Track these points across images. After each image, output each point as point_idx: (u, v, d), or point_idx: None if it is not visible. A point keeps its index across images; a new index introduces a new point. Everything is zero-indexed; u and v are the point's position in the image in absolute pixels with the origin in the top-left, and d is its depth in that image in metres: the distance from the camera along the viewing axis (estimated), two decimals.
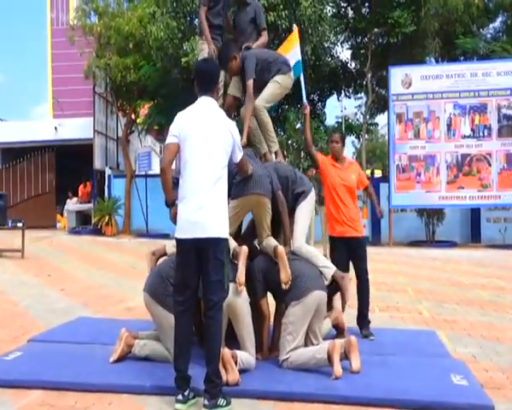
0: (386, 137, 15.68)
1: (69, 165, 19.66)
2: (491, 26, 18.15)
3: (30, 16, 77.34)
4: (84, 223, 18.94)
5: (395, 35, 15.28)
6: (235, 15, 5.50)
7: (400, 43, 15.44)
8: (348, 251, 4.89)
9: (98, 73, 17.94)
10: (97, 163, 18.44)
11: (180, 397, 3.31)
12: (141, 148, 19.40)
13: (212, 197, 3.37)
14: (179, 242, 3.45)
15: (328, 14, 15.55)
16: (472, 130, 14.26)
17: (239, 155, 3.68)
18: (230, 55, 4.75)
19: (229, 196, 4.33)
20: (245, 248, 3.98)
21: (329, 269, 4.24)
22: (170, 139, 3.49)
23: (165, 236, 15.00)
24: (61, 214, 20.21)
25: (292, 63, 5.30)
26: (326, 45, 16.19)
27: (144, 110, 20.24)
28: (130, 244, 14.68)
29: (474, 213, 15.69)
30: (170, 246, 4.55)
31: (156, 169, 22.03)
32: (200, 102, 3.57)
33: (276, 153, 4.95)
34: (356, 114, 20.36)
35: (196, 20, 14.94)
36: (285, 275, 3.96)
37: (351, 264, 4.98)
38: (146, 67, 16.46)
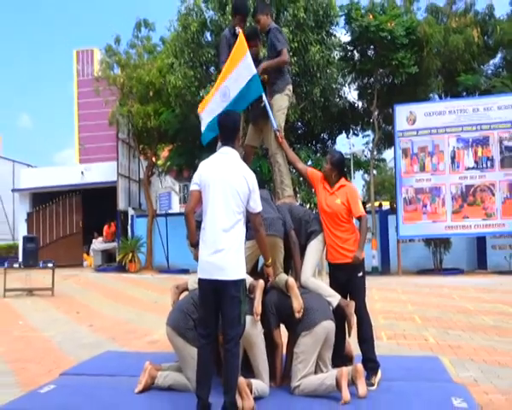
0: (394, 170, 15.79)
1: (94, 206, 19.99)
2: (491, 62, 18.08)
3: (57, 68, 79.83)
4: (109, 261, 19.15)
5: (399, 75, 15.41)
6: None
7: (404, 82, 15.51)
8: (341, 280, 4.46)
9: (121, 121, 18.44)
10: (121, 204, 18.78)
11: None
12: (161, 188, 19.75)
13: (228, 241, 3.48)
14: (200, 281, 3.58)
15: (336, 58, 15.85)
16: (475, 162, 14.35)
17: (255, 207, 3.64)
18: None
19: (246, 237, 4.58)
20: (261, 282, 4.14)
21: (335, 298, 4.36)
22: (193, 187, 3.64)
23: (185, 271, 15.17)
24: (88, 253, 20.48)
25: (246, 79, 4.67)
26: (334, 87, 16.42)
27: (165, 153, 20.63)
28: (153, 280, 14.81)
29: (480, 241, 15.62)
30: (191, 282, 4.69)
31: (176, 208, 22.39)
32: (222, 151, 3.71)
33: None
34: (364, 150, 20.44)
35: (212, 68, 15.41)
36: (297, 304, 4.09)
37: None
38: (166, 114, 16.83)
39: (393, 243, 15.54)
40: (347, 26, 15.93)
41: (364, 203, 21.59)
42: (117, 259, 18.05)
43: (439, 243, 15.01)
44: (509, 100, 14.42)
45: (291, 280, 4.26)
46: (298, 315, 4.09)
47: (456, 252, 15.27)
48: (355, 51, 16.62)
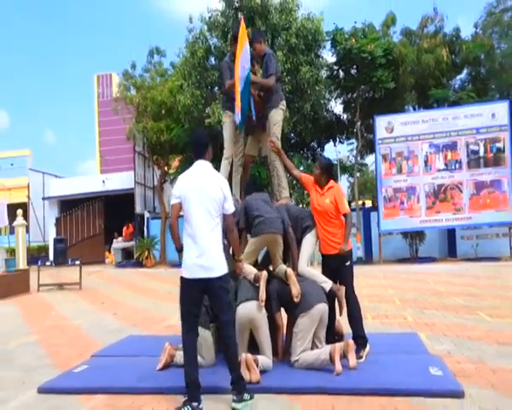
0: (375, 173, 15.81)
1: (115, 211, 20.05)
2: (458, 77, 18.09)
3: (78, 90, 79.93)
4: (127, 258, 19.16)
5: (379, 90, 15.51)
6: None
7: (383, 96, 15.61)
8: (332, 268, 4.53)
9: (137, 135, 18.49)
10: (138, 208, 18.84)
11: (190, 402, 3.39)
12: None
13: (211, 243, 3.49)
14: (187, 281, 3.48)
15: (323, 76, 15.93)
16: (445, 164, 14.41)
17: (228, 208, 3.66)
18: None
19: (249, 233, 4.64)
20: (265, 273, 4.22)
21: (327, 284, 4.43)
22: (174, 201, 3.58)
23: None
24: (109, 251, 20.50)
25: (246, 71, 4.74)
26: (322, 102, 16.50)
27: (175, 163, 20.67)
28: (166, 273, 14.78)
29: (450, 233, 15.70)
30: None
31: None
32: (197, 164, 3.66)
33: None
34: (348, 156, 20.53)
35: (216, 88, 15.43)
36: (295, 290, 4.16)
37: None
38: (176, 129, 16.85)
39: (375, 236, 15.63)
40: (333, 48, 16.00)
41: (350, 202, 21.66)
42: (135, 256, 18.06)
43: (414, 236, 15.12)
44: (473, 110, 14.47)
45: (289, 270, 4.33)
46: (296, 300, 4.16)
47: (430, 243, 15.39)
48: (340, 70, 16.67)
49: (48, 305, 9.25)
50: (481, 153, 14.19)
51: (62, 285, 11.71)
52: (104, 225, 20.67)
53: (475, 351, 4.51)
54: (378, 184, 14.92)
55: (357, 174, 18.94)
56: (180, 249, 3.61)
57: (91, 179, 21.82)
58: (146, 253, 17.30)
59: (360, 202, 19.10)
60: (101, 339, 5.82)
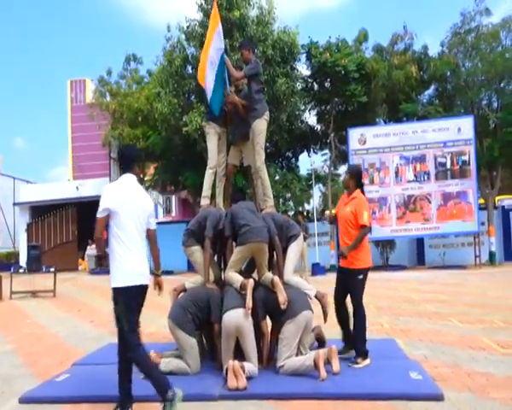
0: None
1: (89, 217, 19.60)
2: (426, 93, 18.65)
3: (51, 96, 78.21)
4: (101, 265, 18.85)
5: (352, 103, 15.86)
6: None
7: (356, 109, 15.98)
8: (342, 280, 4.56)
9: (113, 142, 18.26)
10: None
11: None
12: None
13: (144, 252, 3.51)
14: (130, 289, 3.37)
15: (299, 88, 16.16)
16: (415, 176, 14.86)
17: (153, 223, 3.67)
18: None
19: (234, 241, 4.65)
20: (251, 281, 4.24)
21: (312, 291, 4.49)
22: (101, 214, 3.45)
23: (170, 272, 15.06)
24: (82, 258, 20.09)
25: (219, 53, 4.98)
26: (297, 113, 16.75)
27: (151, 170, 20.49)
28: None
29: (419, 242, 16.15)
30: (188, 282, 4.78)
31: (160, 218, 22.10)
32: (124, 178, 3.59)
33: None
34: (323, 166, 20.84)
35: (192, 96, 15.40)
36: (282, 297, 4.17)
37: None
38: (153, 137, 16.75)
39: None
40: (308, 61, 16.28)
41: (323, 210, 21.94)
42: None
43: (385, 244, 15.48)
44: (441, 124, 15.00)
45: (276, 278, 4.36)
46: (283, 307, 4.17)
47: (400, 251, 15.80)
48: (314, 83, 16.95)
49: (22, 313, 8.98)
50: (448, 165, 14.69)
51: (36, 293, 11.38)
52: (78, 232, 20.20)
53: (450, 356, 4.63)
54: None
55: (331, 183, 19.21)
56: (104, 255, 3.54)
57: (64, 185, 21.42)
58: None
59: (333, 212, 19.32)
60: (80, 347, 5.71)
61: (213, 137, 5.30)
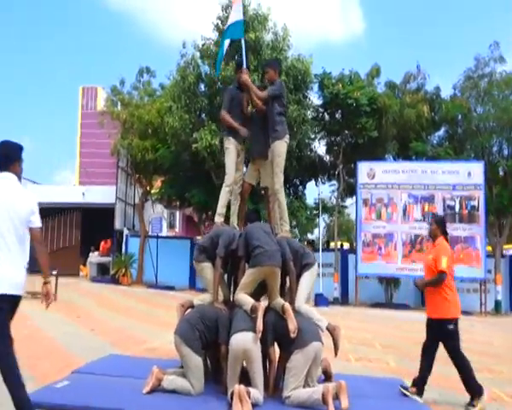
0: (351, 215, 15.96)
1: (93, 224, 19.59)
2: (436, 134, 18.61)
3: (62, 100, 79.01)
4: (103, 273, 18.68)
5: (362, 137, 15.83)
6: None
7: (366, 143, 15.96)
8: (431, 331, 4.77)
9: (122, 152, 18.25)
10: (117, 224, 18.53)
11: None
12: (153, 214, 19.51)
13: (19, 258, 3.28)
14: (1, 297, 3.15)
15: (310, 117, 16.23)
16: (422, 215, 14.74)
17: (35, 221, 3.40)
18: None
19: (247, 262, 4.56)
20: (263, 304, 4.14)
21: (323, 322, 4.38)
22: None
23: (171, 288, 14.90)
24: (84, 265, 19.92)
25: (236, 16, 5.45)
26: (307, 141, 16.76)
27: (158, 183, 20.45)
28: (143, 293, 14.41)
29: None
30: (197, 299, 4.69)
31: (164, 232, 22.05)
32: (1, 176, 3.37)
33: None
34: (330, 197, 20.78)
35: (203, 115, 15.43)
36: (292, 325, 4.04)
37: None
38: (162, 150, 16.68)
39: (352, 279, 15.61)
40: (320, 91, 16.33)
41: (328, 242, 21.78)
42: (111, 272, 17.64)
43: (390, 281, 15.28)
44: (451, 166, 14.95)
45: (287, 304, 4.25)
46: (293, 335, 4.04)
47: (404, 290, 15.48)
48: (325, 113, 16.99)
49: (22, 314, 8.70)
50: (457, 209, 14.61)
51: (36, 294, 11.23)
52: (81, 238, 20.07)
53: (460, 402, 4.54)
54: (358, 228, 15.10)
55: (338, 215, 19.14)
56: None
57: (70, 190, 21.40)
58: (123, 270, 16.89)
59: (339, 243, 19.26)
60: (80, 355, 5.61)
61: (232, 153, 5.19)
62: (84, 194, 20.14)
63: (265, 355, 4.18)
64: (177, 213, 28.37)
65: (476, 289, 15.23)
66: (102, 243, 19.23)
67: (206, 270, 4.68)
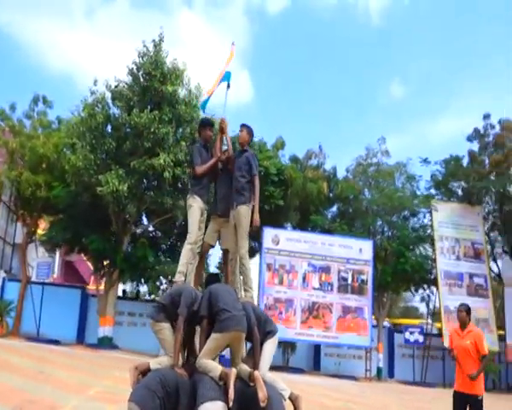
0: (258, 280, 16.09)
1: None
2: (331, 209, 20.32)
3: None
4: None
5: (269, 204, 16.56)
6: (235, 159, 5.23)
7: (272, 210, 16.73)
8: (462, 405, 5.19)
9: (7, 184, 16.39)
10: None
11: None
12: (39, 257, 17.55)
13: None
14: None
15: None
16: (320, 284, 15.71)
17: None
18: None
19: (210, 324, 4.40)
20: (235, 371, 3.99)
21: (286, 391, 4.35)
22: None
23: (56, 341, 13.36)
24: None
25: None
26: None
27: (43, 224, 18.55)
28: (23, 346, 12.58)
29: (316, 348, 16.67)
30: (154, 362, 4.34)
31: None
32: None
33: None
34: None
35: (109, 158, 14.67)
36: (262, 394, 3.92)
37: None
38: (58, 189, 15.38)
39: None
40: None
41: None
42: None
43: (287, 345, 15.64)
44: (345, 241, 16.36)
45: (257, 372, 4.16)
46: (262, 404, 3.94)
47: (300, 354, 16.06)
48: None
49: None
50: (349, 281, 15.87)
51: None
52: None
53: None
54: (260, 291, 15.38)
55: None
56: None
57: None
58: None
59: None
60: None
61: (196, 212, 5.10)
62: None
63: None
64: (56, 258, 25.96)
65: (361, 355, 16.39)
66: None
67: (166, 331, 4.41)
